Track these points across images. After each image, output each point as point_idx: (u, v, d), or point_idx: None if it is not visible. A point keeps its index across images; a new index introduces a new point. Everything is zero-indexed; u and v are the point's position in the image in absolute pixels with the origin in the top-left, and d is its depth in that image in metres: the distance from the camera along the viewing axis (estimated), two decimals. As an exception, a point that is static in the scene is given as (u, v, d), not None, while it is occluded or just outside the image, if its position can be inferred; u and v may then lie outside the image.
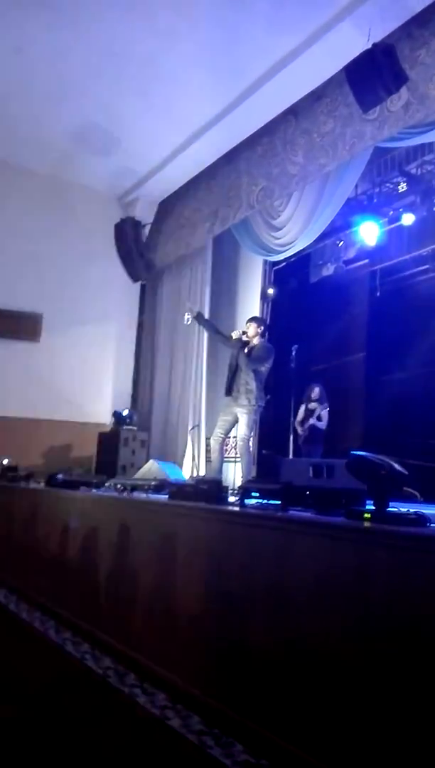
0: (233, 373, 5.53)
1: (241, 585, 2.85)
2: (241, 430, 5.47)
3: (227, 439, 5.74)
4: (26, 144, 7.40)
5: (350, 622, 2.27)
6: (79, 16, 5.32)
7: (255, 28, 5.25)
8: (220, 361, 7.49)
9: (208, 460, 6.98)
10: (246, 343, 5.56)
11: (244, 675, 2.73)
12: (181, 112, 6.52)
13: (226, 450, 5.92)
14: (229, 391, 5.53)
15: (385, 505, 2.59)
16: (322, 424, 6.93)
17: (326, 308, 7.68)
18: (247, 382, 5.44)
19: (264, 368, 5.54)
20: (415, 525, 2.43)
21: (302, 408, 7.01)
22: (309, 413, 7.01)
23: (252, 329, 5.62)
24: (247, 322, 5.80)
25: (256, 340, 5.59)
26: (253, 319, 5.80)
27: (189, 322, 6.15)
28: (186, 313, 6.10)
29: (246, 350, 5.52)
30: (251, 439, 5.63)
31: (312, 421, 6.94)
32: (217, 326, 6.24)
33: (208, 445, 5.78)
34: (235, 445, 5.79)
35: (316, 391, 7.03)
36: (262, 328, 5.70)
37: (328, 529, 2.53)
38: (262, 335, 5.69)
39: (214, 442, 5.74)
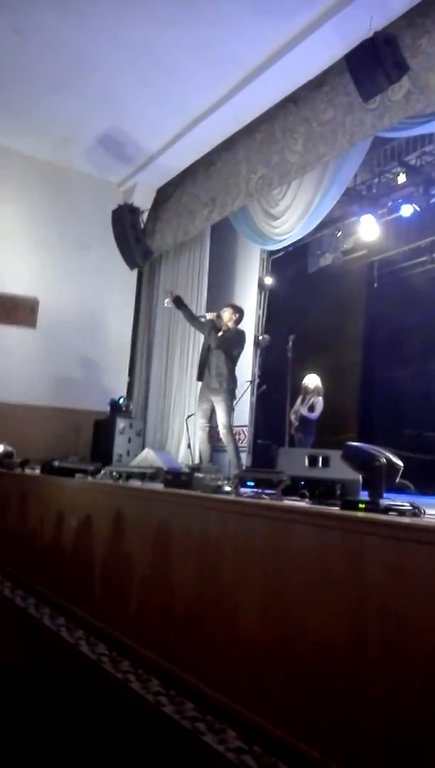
0: (205, 356, 5.57)
1: (236, 573, 2.87)
2: (221, 417, 5.48)
3: (208, 426, 5.76)
4: (24, 129, 7.34)
5: (345, 611, 2.29)
6: (77, 2, 5.25)
7: (255, 14, 5.20)
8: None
9: (189, 447, 7.02)
10: (219, 328, 5.58)
11: (238, 662, 2.75)
12: (180, 99, 6.47)
13: (216, 438, 5.94)
14: (200, 376, 5.57)
15: (379, 495, 2.61)
16: (314, 415, 6.93)
17: (324, 298, 7.68)
18: (218, 365, 5.46)
19: (235, 352, 5.56)
20: (409, 516, 2.46)
21: (299, 398, 7.03)
22: (304, 401, 7.02)
23: (227, 314, 5.64)
24: (224, 307, 5.81)
25: (229, 325, 5.61)
26: (230, 305, 5.81)
27: (168, 305, 6.15)
28: (166, 298, 6.10)
29: (218, 333, 5.55)
30: (232, 426, 5.65)
31: (302, 410, 6.95)
32: (193, 312, 6.24)
33: (211, 435, 5.81)
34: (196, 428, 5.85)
35: (309, 381, 7.04)
36: (238, 315, 5.70)
37: (323, 518, 2.54)
38: (237, 323, 5.69)
39: (200, 430, 5.76)
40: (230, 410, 5.56)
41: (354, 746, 2.15)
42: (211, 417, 5.67)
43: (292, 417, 6.96)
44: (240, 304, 7.81)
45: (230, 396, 5.52)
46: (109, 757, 2.35)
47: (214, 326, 5.61)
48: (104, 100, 6.63)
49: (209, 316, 5.74)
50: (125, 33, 5.60)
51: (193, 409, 7.74)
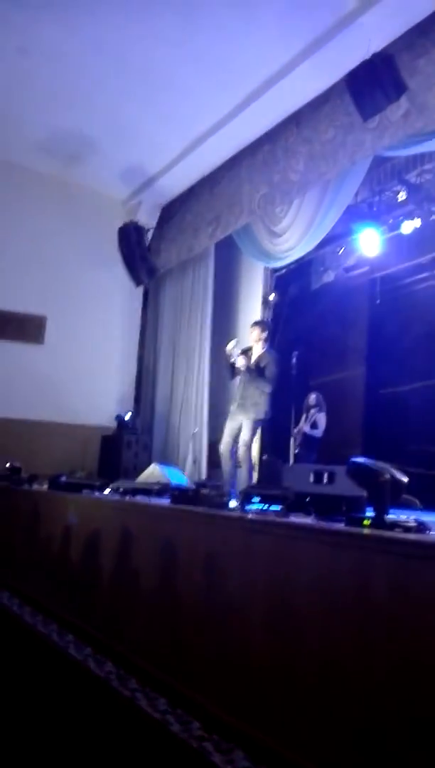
0: (241, 384, 5.52)
1: (242, 590, 2.88)
2: (244, 434, 5.48)
3: (233, 446, 5.76)
4: (31, 145, 7.45)
5: (350, 628, 2.30)
6: (82, 20, 5.37)
7: (257, 36, 5.31)
8: (223, 366, 7.54)
9: (194, 462, 7.01)
10: (249, 352, 5.54)
11: (244, 680, 2.76)
12: (184, 118, 6.58)
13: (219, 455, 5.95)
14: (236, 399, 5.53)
15: (384, 511, 2.63)
16: (318, 432, 6.92)
17: (327, 315, 7.72)
18: (254, 395, 5.43)
19: (270, 375, 5.52)
20: (414, 532, 2.47)
21: (303, 416, 7.05)
22: (306, 420, 7.04)
23: (256, 333, 5.59)
24: (251, 326, 5.76)
25: (259, 347, 5.56)
26: (256, 324, 5.76)
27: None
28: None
29: (251, 363, 5.48)
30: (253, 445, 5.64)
31: (305, 427, 6.95)
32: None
33: (216, 451, 5.79)
34: (235, 450, 5.81)
35: (312, 398, 7.05)
36: (267, 332, 5.63)
37: (328, 535, 2.56)
38: (266, 340, 5.64)
39: (224, 448, 5.75)
40: (255, 430, 5.53)
41: (364, 765, 2.15)
42: (237, 437, 5.63)
43: (295, 435, 6.96)
44: (244, 320, 7.90)
45: (260, 418, 5.47)
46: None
47: (246, 359, 5.50)
48: (109, 118, 6.75)
49: (237, 355, 5.48)
50: (130, 52, 5.72)
51: (199, 424, 7.79)
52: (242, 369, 5.52)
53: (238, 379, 5.59)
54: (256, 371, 5.46)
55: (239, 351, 5.60)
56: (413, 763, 2.00)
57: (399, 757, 2.05)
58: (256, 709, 2.65)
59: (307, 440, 6.92)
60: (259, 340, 5.56)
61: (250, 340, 5.64)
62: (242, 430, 5.51)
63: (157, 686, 3.16)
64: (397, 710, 2.08)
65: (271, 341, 6.30)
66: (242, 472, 5.65)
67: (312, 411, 6.98)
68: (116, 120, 6.76)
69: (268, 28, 5.21)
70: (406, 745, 2.03)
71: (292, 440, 6.46)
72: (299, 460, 6.66)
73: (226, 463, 5.73)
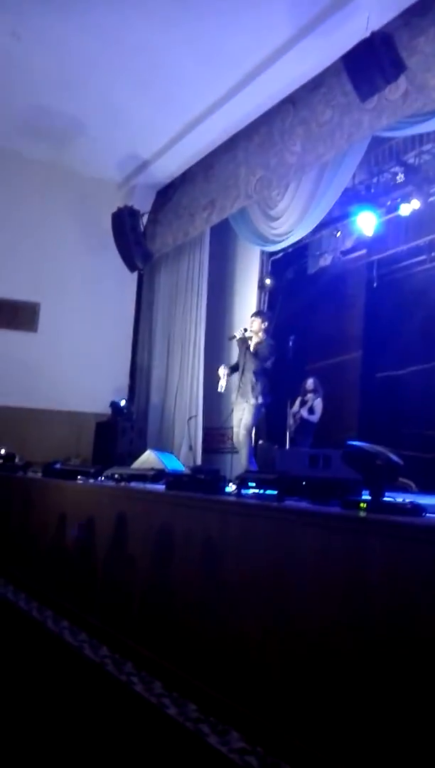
0: (241, 372, 5.56)
1: (238, 574, 2.87)
2: (246, 418, 5.52)
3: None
4: (23, 130, 7.35)
5: (346, 611, 2.29)
6: (76, 3, 5.28)
7: (253, 16, 5.21)
8: (218, 351, 7.50)
9: (190, 448, 7.02)
10: (248, 341, 5.57)
11: (240, 663, 2.76)
12: (179, 101, 6.49)
13: (223, 440, 5.96)
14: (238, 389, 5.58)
15: (380, 494, 2.62)
16: (314, 417, 6.89)
17: (324, 299, 7.67)
18: (252, 380, 5.48)
19: (267, 364, 5.57)
20: (410, 515, 2.46)
21: (298, 399, 7.02)
22: (303, 404, 7.01)
23: (256, 324, 5.63)
24: (251, 317, 5.79)
25: (260, 335, 5.59)
26: (257, 314, 5.80)
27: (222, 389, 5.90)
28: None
29: (251, 349, 5.54)
30: (252, 430, 5.68)
31: (302, 412, 6.92)
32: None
33: (212, 437, 5.85)
34: (231, 435, 5.83)
35: (309, 383, 7.01)
36: (267, 323, 5.69)
37: (324, 518, 2.55)
38: (266, 331, 5.69)
39: (236, 439, 5.81)
40: (257, 415, 5.58)
41: (358, 747, 2.15)
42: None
43: (291, 419, 6.94)
44: (240, 305, 7.85)
45: (259, 405, 5.54)
46: (113, 759, 2.35)
47: (245, 344, 5.58)
48: (103, 102, 6.65)
49: (238, 334, 5.67)
50: (124, 35, 5.62)
51: (194, 410, 7.77)
52: (246, 348, 5.54)
53: (239, 360, 5.64)
54: (254, 358, 5.49)
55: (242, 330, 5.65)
56: (409, 746, 2.00)
57: (394, 740, 2.04)
58: (253, 691, 2.65)
59: (303, 425, 6.89)
60: (260, 330, 5.57)
61: (252, 331, 5.64)
62: (244, 414, 5.52)
63: (153, 670, 3.16)
64: (392, 692, 2.07)
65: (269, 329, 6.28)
66: (241, 457, 5.66)
67: (309, 395, 6.95)
68: (110, 103, 6.66)
69: (263, 7, 5.12)
70: (402, 728, 2.02)
71: (288, 425, 6.44)
72: (295, 444, 6.64)
73: (242, 451, 5.76)
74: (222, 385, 5.74)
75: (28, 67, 6.20)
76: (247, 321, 5.73)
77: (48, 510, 5.04)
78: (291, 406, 6.74)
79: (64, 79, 6.33)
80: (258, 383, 5.49)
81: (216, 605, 2.97)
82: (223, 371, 5.71)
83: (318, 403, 6.90)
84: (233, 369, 5.77)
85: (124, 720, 2.67)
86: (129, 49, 5.82)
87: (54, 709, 2.74)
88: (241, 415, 5.64)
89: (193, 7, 5.21)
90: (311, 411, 6.91)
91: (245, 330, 5.61)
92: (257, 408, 5.56)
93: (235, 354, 7.53)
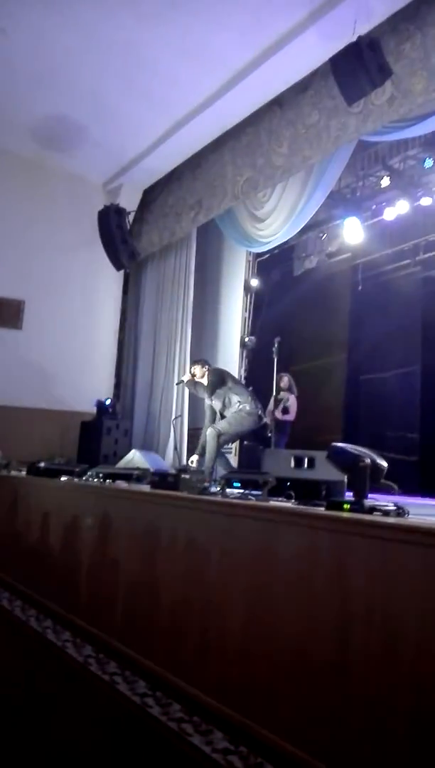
0: (211, 410, 5.55)
1: (222, 574, 2.89)
2: (220, 422, 5.44)
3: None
4: (9, 127, 7.29)
5: (329, 610, 2.32)
6: (63, 1, 5.24)
7: (240, 17, 5.22)
8: (204, 352, 7.51)
9: (175, 448, 6.99)
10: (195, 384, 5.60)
11: (224, 662, 2.77)
12: (166, 100, 6.47)
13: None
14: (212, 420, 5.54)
15: (364, 496, 2.64)
16: (289, 416, 6.90)
17: (309, 301, 7.72)
18: (223, 411, 5.40)
19: (227, 387, 5.46)
20: (393, 516, 2.49)
21: (272, 398, 7.02)
22: (277, 403, 7.00)
23: (198, 371, 5.64)
24: (191, 365, 5.80)
25: (204, 380, 5.60)
26: (196, 362, 5.82)
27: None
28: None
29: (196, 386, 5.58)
30: (222, 435, 5.56)
31: (276, 413, 6.92)
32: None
33: (197, 438, 5.77)
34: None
35: (284, 381, 7.01)
36: (206, 367, 5.65)
37: (308, 518, 2.57)
38: (210, 372, 5.64)
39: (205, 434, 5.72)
40: (233, 426, 5.47)
41: (341, 746, 2.18)
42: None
43: (267, 419, 6.95)
44: (226, 305, 7.87)
45: (237, 413, 5.46)
46: (96, 759, 2.35)
47: (195, 384, 5.61)
48: (90, 99, 6.61)
49: (186, 378, 5.70)
50: (111, 32, 5.59)
51: (179, 410, 7.76)
52: (200, 388, 5.59)
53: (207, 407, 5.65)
54: (211, 392, 5.46)
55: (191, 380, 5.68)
56: (392, 745, 2.02)
57: (378, 740, 2.07)
58: (236, 691, 2.66)
59: (278, 425, 6.91)
60: (203, 375, 5.57)
61: (197, 378, 5.62)
62: (219, 418, 5.46)
63: (136, 670, 3.16)
64: (375, 691, 2.10)
65: (251, 326, 6.29)
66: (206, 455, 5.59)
67: (283, 394, 6.95)
68: (97, 102, 6.63)
69: (251, 9, 5.13)
70: (382, 726, 2.05)
71: (272, 424, 6.46)
72: (273, 445, 6.67)
73: (210, 450, 5.67)
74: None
75: (13, 63, 6.14)
76: (198, 369, 5.70)
77: (32, 509, 5.01)
78: (266, 406, 6.77)
79: (51, 76, 6.28)
80: (242, 406, 5.37)
81: (200, 605, 2.98)
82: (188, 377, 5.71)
83: (292, 402, 6.90)
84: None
85: (107, 720, 2.67)
86: (117, 48, 5.79)
87: (36, 708, 2.73)
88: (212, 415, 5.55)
89: (182, 6, 5.20)
90: (286, 410, 6.90)
91: (193, 375, 5.64)
92: (235, 417, 5.46)
93: (221, 355, 7.58)
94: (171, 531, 3.32)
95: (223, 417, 5.43)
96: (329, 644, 2.28)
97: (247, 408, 5.39)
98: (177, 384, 6.08)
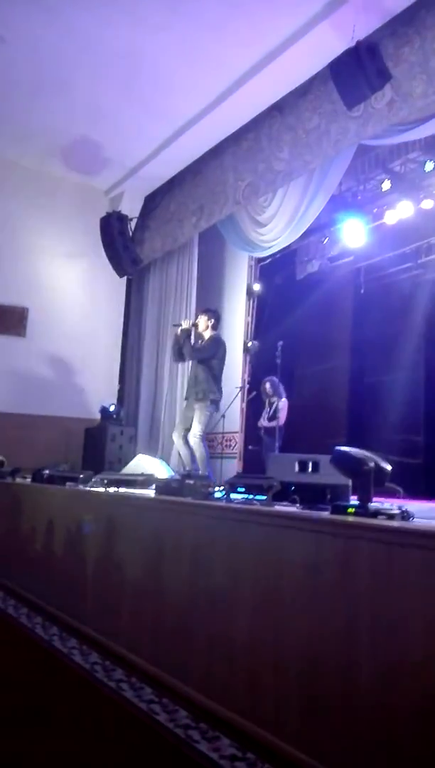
0: (193, 371, 5.50)
1: (227, 579, 2.88)
2: (194, 427, 5.41)
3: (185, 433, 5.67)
4: (10, 136, 7.33)
5: (335, 615, 2.31)
6: (62, 7, 5.26)
7: (240, 22, 5.24)
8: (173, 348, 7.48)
9: (180, 454, 6.98)
10: (194, 335, 5.49)
11: (230, 669, 2.76)
12: (166, 107, 6.50)
13: (213, 446, 5.92)
14: (187, 391, 5.50)
15: (368, 499, 2.64)
16: (276, 422, 6.79)
17: (312, 304, 7.73)
18: (196, 374, 5.36)
19: (214, 362, 5.45)
20: (398, 519, 2.48)
21: (266, 402, 6.99)
22: (270, 406, 6.94)
23: (202, 322, 5.53)
24: (199, 314, 5.69)
25: (206, 334, 5.51)
26: (205, 311, 5.70)
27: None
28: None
29: (193, 342, 5.45)
30: (204, 434, 5.53)
31: (262, 421, 6.85)
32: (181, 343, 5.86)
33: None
34: (220, 441, 5.79)
35: (267, 387, 6.92)
36: (213, 320, 5.56)
37: (313, 523, 2.56)
38: (214, 328, 5.57)
39: (176, 437, 5.66)
40: (205, 420, 5.43)
41: (349, 752, 2.16)
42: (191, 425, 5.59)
43: (260, 422, 6.92)
44: (229, 310, 7.86)
45: (209, 406, 5.40)
46: (103, 766, 2.35)
47: (188, 336, 5.49)
48: (90, 107, 6.65)
49: (185, 324, 5.60)
50: (110, 40, 5.62)
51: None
52: (187, 339, 5.48)
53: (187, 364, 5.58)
54: (197, 353, 5.39)
55: (187, 330, 5.60)
56: (396, 750, 2.01)
57: (386, 746, 2.06)
58: (244, 697, 2.65)
59: (267, 431, 6.87)
60: (207, 328, 5.50)
61: (198, 329, 5.56)
62: (193, 421, 5.44)
63: (143, 677, 3.15)
64: (382, 695, 2.09)
65: (254, 331, 6.27)
66: (199, 462, 5.59)
67: (273, 399, 6.88)
68: (97, 108, 6.66)
69: (251, 14, 5.15)
70: (390, 731, 2.04)
71: (262, 429, 6.45)
72: (266, 448, 6.66)
73: (183, 451, 5.64)
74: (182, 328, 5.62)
75: (12, 71, 6.17)
76: (203, 320, 5.56)
77: (36, 516, 5.02)
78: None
79: (51, 83, 6.31)
80: (202, 378, 5.33)
81: (206, 611, 2.97)
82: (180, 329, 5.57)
83: (282, 405, 6.79)
84: (179, 354, 5.57)
85: (114, 726, 2.66)
86: (117, 55, 5.82)
87: (42, 716, 2.73)
88: (190, 416, 5.49)
89: (182, 13, 5.23)
90: (274, 416, 6.79)
91: (194, 325, 5.53)
92: (205, 409, 5.38)
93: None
94: (176, 537, 3.32)
95: (190, 389, 5.34)
96: (336, 649, 2.28)
97: (217, 403, 5.40)
98: (173, 325, 5.86)
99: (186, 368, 7.82)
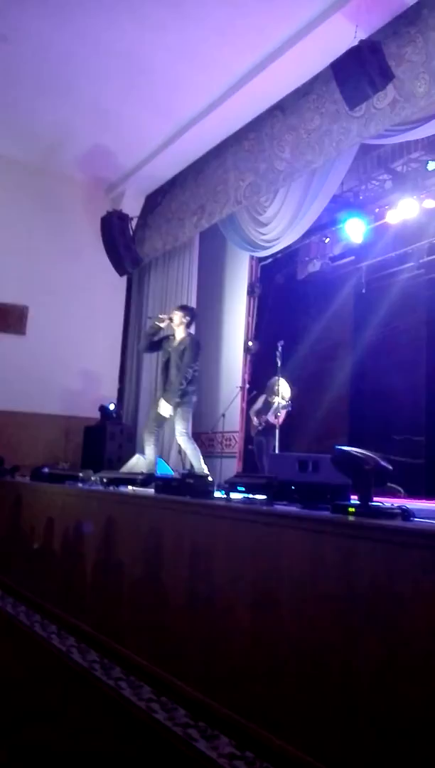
0: (165, 367, 5.45)
1: (227, 578, 2.88)
2: (177, 426, 5.39)
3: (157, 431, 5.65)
4: (11, 134, 7.33)
5: (334, 615, 2.30)
6: (64, 6, 5.26)
7: (242, 22, 5.24)
8: (207, 355, 7.50)
9: (179, 452, 6.97)
10: (171, 334, 5.42)
11: (229, 667, 2.76)
12: (168, 106, 6.50)
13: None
14: (163, 391, 5.42)
15: (369, 499, 2.63)
16: (278, 420, 6.76)
17: (313, 304, 7.72)
18: (176, 380, 5.30)
19: (193, 364, 5.38)
20: (398, 519, 2.48)
21: (262, 398, 6.93)
22: (268, 405, 6.88)
23: (178, 317, 5.47)
24: (174, 309, 5.61)
25: (180, 331, 5.47)
26: (181, 307, 5.63)
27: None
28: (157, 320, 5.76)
29: (175, 344, 5.40)
30: (190, 432, 5.52)
31: (271, 418, 6.81)
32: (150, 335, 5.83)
33: (200, 441, 5.69)
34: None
35: (282, 385, 6.87)
36: (189, 318, 5.47)
37: (313, 523, 2.56)
38: (188, 326, 5.50)
39: (148, 434, 5.61)
40: (187, 417, 5.41)
41: (347, 750, 2.16)
42: (162, 422, 5.55)
43: (256, 420, 6.88)
44: (230, 310, 7.86)
45: (187, 403, 5.37)
46: (101, 765, 2.34)
47: (166, 337, 5.46)
48: (92, 106, 6.64)
49: (163, 318, 5.47)
50: (113, 39, 5.62)
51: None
52: (170, 342, 5.44)
53: (166, 355, 5.52)
54: (184, 359, 5.34)
55: (166, 318, 5.51)
56: (395, 748, 2.01)
57: (385, 745, 2.05)
58: (242, 696, 2.65)
59: (269, 427, 6.83)
60: (181, 324, 5.45)
61: (173, 324, 5.52)
62: (175, 421, 5.42)
63: (141, 675, 3.15)
64: (379, 696, 2.09)
65: (255, 331, 6.26)
66: (188, 460, 5.57)
67: (280, 399, 6.83)
68: (99, 107, 6.65)
69: (253, 14, 5.14)
70: (389, 732, 2.03)
71: (256, 427, 6.43)
72: (261, 447, 6.64)
73: (148, 447, 5.60)
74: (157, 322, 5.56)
75: (15, 70, 6.17)
76: (178, 317, 5.46)
77: (36, 514, 5.01)
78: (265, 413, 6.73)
79: (53, 82, 6.31)
80: (177, 384, 5.28)
81: (205, 610, 2.97)
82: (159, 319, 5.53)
83: (287, 407, 6.73)
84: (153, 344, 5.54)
85: (112, 725, 2.66)
86: (119, 53, 5.81)
87: (40, 714, 2.72)
88: (159, 414, 5.44)
89: (184, 12, 5.23)
90: (276, 416, 6.74)
91: (170, 319, 5.47)
92: (185, 406, 5.34)
93: (225, 360, 7.54)
94: (175, 535, 3.31)
95: (168, 391, 5.32)
96: (335, 648, 2.27)
97: (194, 399, 5.38)
98: (148, 317, 5.79)
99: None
